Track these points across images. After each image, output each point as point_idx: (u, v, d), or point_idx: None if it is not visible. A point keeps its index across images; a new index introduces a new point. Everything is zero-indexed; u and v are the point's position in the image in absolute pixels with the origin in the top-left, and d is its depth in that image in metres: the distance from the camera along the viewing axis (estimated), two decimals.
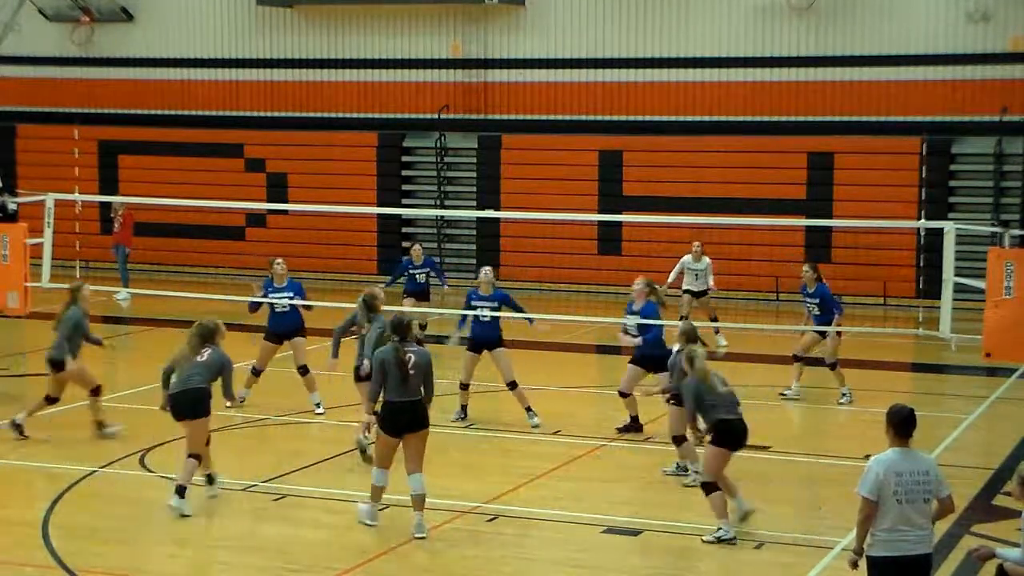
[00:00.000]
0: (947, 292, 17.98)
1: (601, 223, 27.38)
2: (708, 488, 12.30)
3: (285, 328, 17.25)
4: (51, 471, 14.34)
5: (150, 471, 14.39)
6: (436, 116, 29.58)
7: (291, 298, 17.30)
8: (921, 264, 26.27)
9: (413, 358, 12.22)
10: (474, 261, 29.62)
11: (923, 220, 24.03)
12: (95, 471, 14.26)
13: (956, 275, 18.30)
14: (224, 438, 15.79)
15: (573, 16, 28.86)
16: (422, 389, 12.26)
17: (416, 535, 12.23)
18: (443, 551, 11.90)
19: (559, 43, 29.02)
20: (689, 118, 28.22)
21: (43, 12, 32.00)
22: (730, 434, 12.41)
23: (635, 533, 12.47)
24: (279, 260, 17.56)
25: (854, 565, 9.13)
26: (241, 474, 14.12)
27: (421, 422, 12.30)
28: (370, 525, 12.53)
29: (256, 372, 17.46)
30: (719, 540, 12.15)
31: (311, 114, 30.79)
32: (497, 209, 28.26)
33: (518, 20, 29.26)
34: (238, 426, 16.45)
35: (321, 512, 13.02)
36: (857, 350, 22.17)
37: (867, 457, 15.00)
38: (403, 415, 12.21)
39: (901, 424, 8.93)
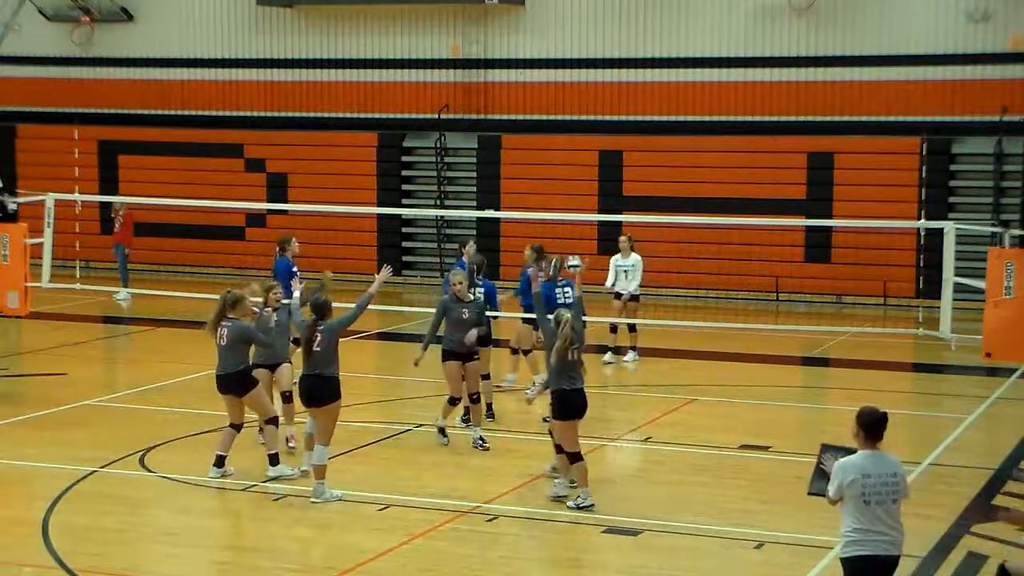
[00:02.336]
0: (947, 292, 18.00)
1: (601, 223, 27.39)
2: (572, 458, 13.03)
3: None
4: (51, 471, 14.34)
5: (150, 471, 14.39)
6: (436, 116, 29.58)
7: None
8: (921, 264, 26.26)
9: (319, 336, 13.09)
10: None
11: (923, 220, 24.03)
12: (95, 471, 14.26)
13: (956, 275, 18.31)
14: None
15: (573, 16, 28.85)
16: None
17: (312, 499, 13.10)
18: (443, 551, 11.90)
19: (559, 43, 29.02)
20: (689, 118, 28.21)
21: (43, 12, 32.00)
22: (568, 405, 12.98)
23: (635, 533, 12.47)
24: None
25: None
26: (241, 474, 14.10)
27: (320, 398, 13.13)
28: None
29: None
30: (579, 507, 12.84)
31: (311, 114, 30.78)
32: (497, 209, 28.26)
33: (518, 20, 29.26)
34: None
35: (321, 512, 13.02)
36: (857, 350, 22.20)
37: None
38: (305, 388, 13.20)
39: (872, 426, 8.83)
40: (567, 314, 13.11)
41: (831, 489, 8.86)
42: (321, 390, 13.16)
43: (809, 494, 9.23)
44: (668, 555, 12.00)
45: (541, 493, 13.70)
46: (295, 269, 17.09)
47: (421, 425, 16.52)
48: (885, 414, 8.90)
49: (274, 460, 13.95)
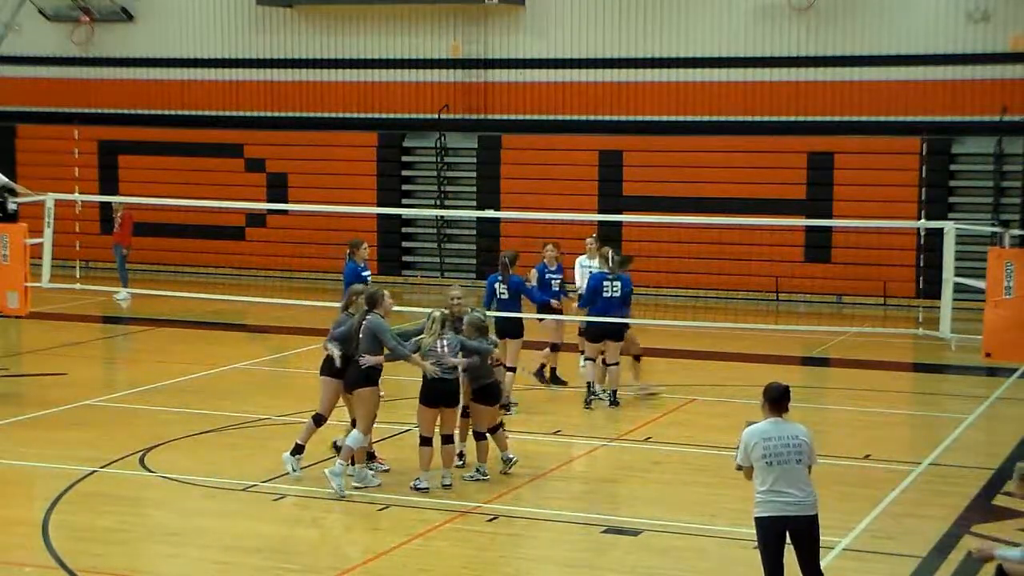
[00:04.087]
0: (947, 292, 17.96)
1: (601, 223, 27.35)
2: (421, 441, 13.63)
3: None
4: (51, 471, 14.34)
5: (150, 471, 14.39)
6: (436, 116, 29.58)
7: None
8: (921, 264, 26.26)
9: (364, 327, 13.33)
10: (474, 261, 29.64)
11: (923, 220, 24.01)
12: (95, 471, 14.26)
13: (956, 275, 18.27)
14: (224, 438, 15.81)
15: (573, 16, 28.85)
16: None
17: (354, 483, 13.47)
18: (443, 551, 11.90)
19: (559, 43, 29.02)
20: (689, 118, 28.22)
21: (43, 12, 32.00)
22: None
23: (635, 533, 12.47)
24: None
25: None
26: (241, 474, 14.10)
27: (353, 383, 13.40)
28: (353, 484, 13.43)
29: None
30: (416, 488, 13.47)
31: (311, 114, 30.78)
32: (497, 209, 28.26)
33: (518, 20, 29.26)
34: (238, 426, 16.45)
35: (321, 512, 13.02)
36: (857, 350, 22.19)
37: (867, 457, 15.04)
38: (349, 374, 13.48)
39: (775, 400, 9.69)
40: (437, 312, 13.77)
41: (738, 455, 9.62)
42: (355, 376, 13.39)
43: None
44: (668, 555, 12.00)
45: (541, 493, 13.71)
46: (365, 273, 17.01)
47: None
48: (787, 388, 9.76)
49: (296, 450, 13.94)
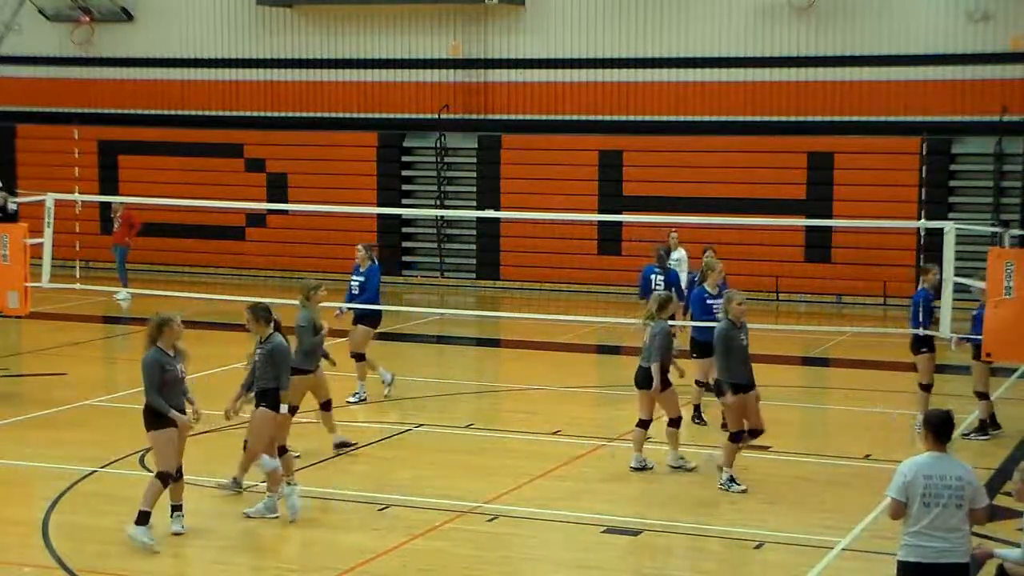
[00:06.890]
0: (947, 292, 17.94)
1: (601, 223, 27.39)
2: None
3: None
4: (51, 471, 14.34)
5: (150, 471, 14.36)
6: (436, 116, 29.58)
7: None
8: (921, 264, 26.23)
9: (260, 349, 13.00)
10: (474, 261, 29.65)
11: (923, 220, 24.01)
12: (95, 471, 14.26)
13: (956, 275, 18.25)
14: (223, 438, 15.78)
15: (573, 16, 28.85)
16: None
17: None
18: (443, 551, 11.90)
19: (559, 43, 29.02)
20: (689, 118, 28.21)
21: (43, 12, 32.00)
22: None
23: (635, 533, 12.47)
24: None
25: None
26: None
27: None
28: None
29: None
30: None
31: (311, 114, 30.78)
32: (497, 209, 28.26)
33: (518, 20, 29.26)
34: (237, 426, 16.44)
35: (321, 512, 13.02)
36: (857, 350, 22.19)
37: (867, 457, 15.03)
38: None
39: (939, 427, 8.80)
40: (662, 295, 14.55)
41: (892, 487, 8.67)
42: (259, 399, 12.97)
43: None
44: (668, 555, 12.00)
45: (541, 493, 13.71)
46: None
47: (421, 425, 16.52)
48: (948, 414, 8.93)
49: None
